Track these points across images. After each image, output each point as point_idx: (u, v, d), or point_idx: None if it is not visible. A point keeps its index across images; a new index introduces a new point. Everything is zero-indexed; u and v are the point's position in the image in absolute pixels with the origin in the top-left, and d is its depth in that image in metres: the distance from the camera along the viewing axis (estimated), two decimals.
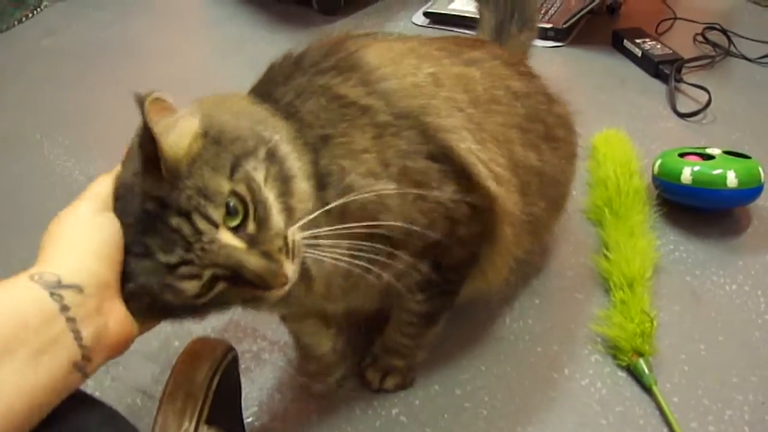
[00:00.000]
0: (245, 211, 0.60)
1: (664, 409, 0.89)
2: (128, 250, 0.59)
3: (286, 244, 0.62)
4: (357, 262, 0.68)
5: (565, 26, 1.86)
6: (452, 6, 2.03)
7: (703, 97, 1.56)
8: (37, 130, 1.58)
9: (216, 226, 0.58)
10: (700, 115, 1.53)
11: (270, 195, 0.62)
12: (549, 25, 1.89)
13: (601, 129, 1.43)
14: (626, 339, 0.95)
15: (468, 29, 1.91)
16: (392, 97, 0.74)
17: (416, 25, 2.03)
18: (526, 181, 0.88)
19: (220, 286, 0.60)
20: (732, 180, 1.13)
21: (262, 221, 0.60)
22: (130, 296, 0.60)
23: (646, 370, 0.93)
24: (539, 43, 1.86)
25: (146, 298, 0.60)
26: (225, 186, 0.59)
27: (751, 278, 1.11)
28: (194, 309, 0.63)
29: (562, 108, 1.01)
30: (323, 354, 0.95)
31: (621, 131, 1.39)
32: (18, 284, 0.53)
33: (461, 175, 0.77)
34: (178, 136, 0.59)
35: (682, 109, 1.55)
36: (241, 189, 0.59)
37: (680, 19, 1.99)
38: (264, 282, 0.60)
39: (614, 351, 0.97)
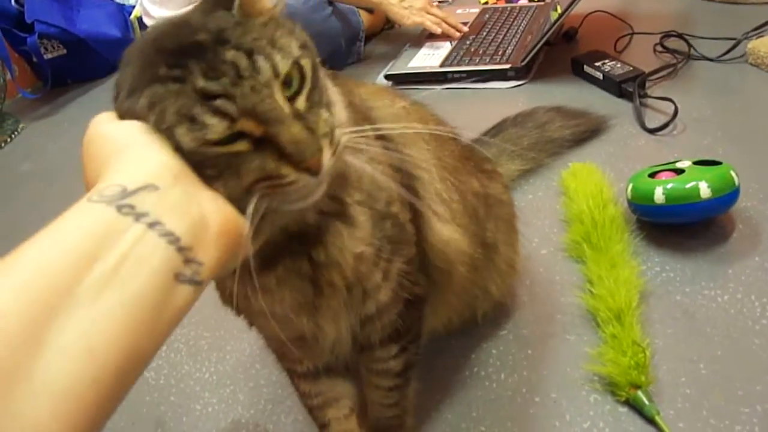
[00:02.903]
0: (299, 88, 0.55)
1: None
2: (155, 77, 0.52)
3: (331, 133, 0.56)
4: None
5: (523, 64, 1.88)
6: (412, 64, 2.07)
7: (670, 109, 1.56)
8: None
9: (276, 75, 0.53)
10: (670, 127, 1.54)
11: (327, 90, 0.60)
12: (508, 66, 1.91)
13: (572, 160, 1.45)
14: (621, 374, 0.94)
15: (431, 84, 1.95)
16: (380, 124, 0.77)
17: None
18: (475, 207, 0.93)
19: (242, 145, 0.52)
20: (705, 191, 1.13)
21: (314, 104, 0.56)
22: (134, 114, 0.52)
23: (646, 401, 0.92)
24: (501, 85, 1.89)
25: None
26: (294, 50, 0.55)
27: (742, 284, 1.11)
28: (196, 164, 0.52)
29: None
30: None
31: (587, 163, 1.40)
32: (74, 212, 0.44)
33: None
34: None
35: (650, 125, 1.55)
36: (305, 64, 0.56)
37: (637, 33, 2.01)
38: (298, 151, 0.52)
39: (612, 387, 0.96)
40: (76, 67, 2.58)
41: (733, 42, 1.82)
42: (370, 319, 0.78)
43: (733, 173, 1.16)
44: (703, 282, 1.12)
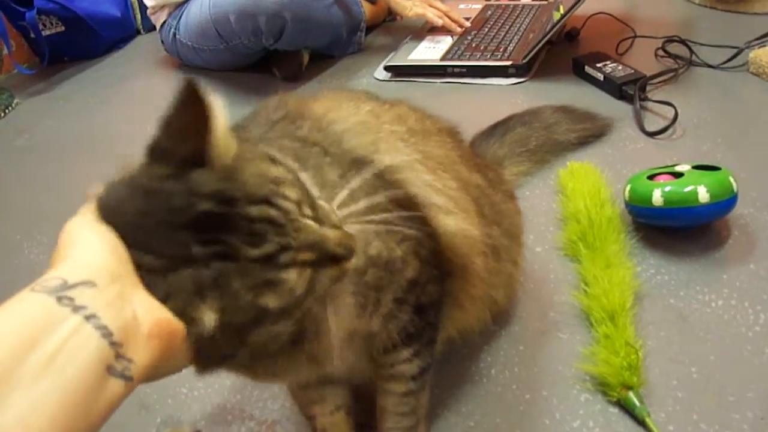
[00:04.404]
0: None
1: None
2: (189, 258, 0.51)
3: (335, 212, 0.60)
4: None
5: (525, 61, 1.88)
6: (412, 56, 2.06)
7: (670, 113, 1.56)
8: (17, 232, 1.58)
9: (297, 205, 0.55)
10: (669, 131, 1.54)
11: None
12: (509, 63, 1.90)
13: (571, 160, 1.44)
14: (613, 374, 0.94)
15: (431, 77, 1.94)
16: (342, 138, 0.76)
17: (379, 80, 2.04)
18: (477, 199, 0.91)
19: (307, 274, 0.55)
20: (704, 195, 1.13)
21: (313, 203, 0.58)
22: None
23: (637, 403, 0.91)
24: (502, 81, 1.88)
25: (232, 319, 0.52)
26: (283, 172, 0.56)
27: (736, 290, 1.10)
28: (288, 314, 0.55)
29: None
30: None
31: (585, 162, 1.39)
32: (17, 300, 0.46)
33: (421, 218, 0.78)
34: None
35: (650, 128, 1.55)
36: (297, 176, 0.58)
37: (640, 36, 2.01)
38: (347, 250, 0.57)
39: (603, 387, 0.95)
40: (73, 44, 2.55)
41: (735, 50, 1.81)
42: (371, 337, 0.78)
43: (731, 179, 1.16)
44: (697, 286, 1.12)
